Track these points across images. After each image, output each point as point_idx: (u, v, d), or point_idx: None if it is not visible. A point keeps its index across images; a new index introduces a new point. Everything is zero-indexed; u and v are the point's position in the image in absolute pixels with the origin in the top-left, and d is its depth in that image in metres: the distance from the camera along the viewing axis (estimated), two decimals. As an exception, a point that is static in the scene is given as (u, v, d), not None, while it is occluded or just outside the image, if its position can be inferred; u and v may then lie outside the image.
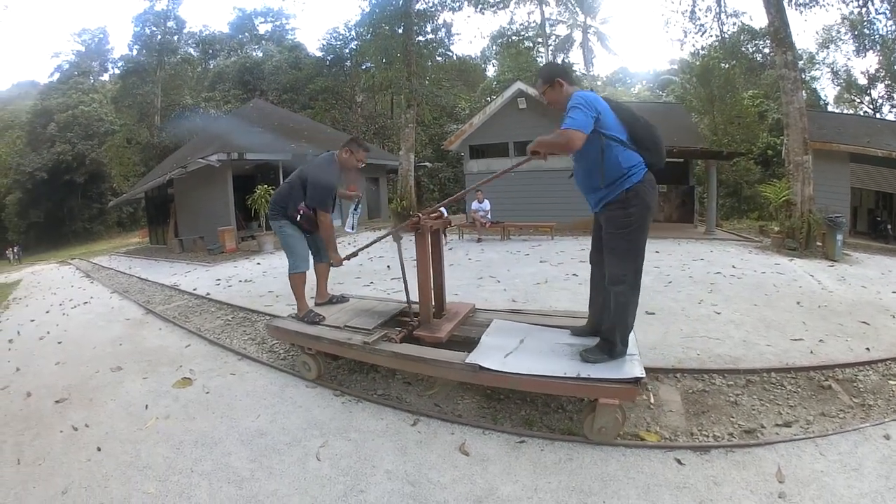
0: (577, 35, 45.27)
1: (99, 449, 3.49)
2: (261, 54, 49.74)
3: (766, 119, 26.26)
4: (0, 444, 3.77)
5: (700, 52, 22.31)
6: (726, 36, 19.55)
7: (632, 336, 3.52)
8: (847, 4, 17.94)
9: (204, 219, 18.43)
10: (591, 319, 3.79)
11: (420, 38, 21.27)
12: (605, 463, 2.85)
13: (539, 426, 3.34)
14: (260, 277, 9.93)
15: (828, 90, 37.00)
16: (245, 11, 55.09)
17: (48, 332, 7.19)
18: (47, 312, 8.91)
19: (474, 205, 14.61)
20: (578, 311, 4.23)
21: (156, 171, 26.13)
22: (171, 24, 41.53)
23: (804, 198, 11.32)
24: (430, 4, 21.56)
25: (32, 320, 8.32)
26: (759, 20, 20.61)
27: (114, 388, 4.65)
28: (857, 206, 16.83)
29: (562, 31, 45.57)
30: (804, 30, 38.35)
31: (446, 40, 24.78)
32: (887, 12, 18.82)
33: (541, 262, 9.68)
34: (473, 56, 45.75)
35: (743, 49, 23.10)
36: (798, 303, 6.13)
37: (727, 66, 23.02)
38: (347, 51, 38.22)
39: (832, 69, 34.77)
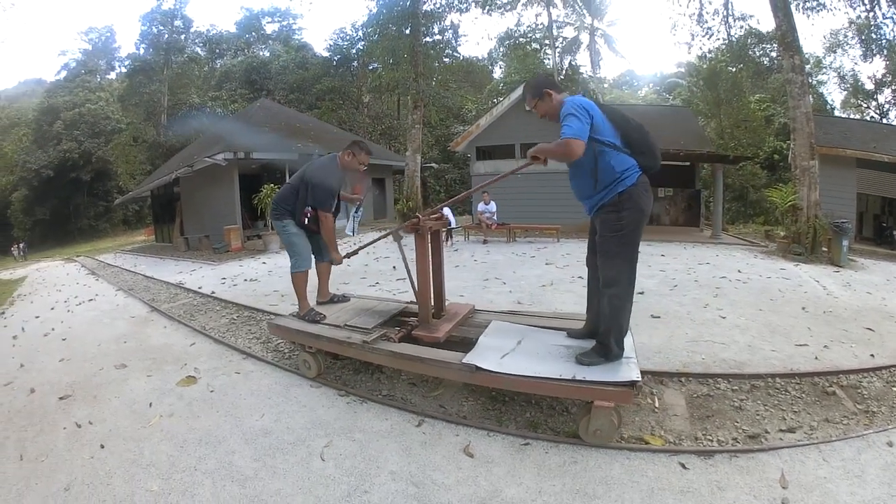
0: (585, 37, 45.10)
1: (102, 446, 3.50)
2: (268, 54, 49.99)
3: (773, 123, 26.24)
4: (3, 440, 3.78)
5: (707, 55, 22.24)
6: (733, 39, 19.48)
7: (630, 339, 3.53)
8: (854, 8, 17.87)
9: (210, 217, 18.50)
10: (588, 322, 3.78)
11: (427, 38, 21.28)
12: (609, 466, 2.85)
13: (543, 429, 3.34)
14: (265, 276, 9.96)
15: (834, 95, 36.99)
16: (252, 11, 55.39)
17: (53, 329, 7.21)
18: (52, 309, 8.94)
19: (480, 206, 14.61)
20: (576, 314, 4.24)
21: (162, 169, 26.23)
22: (178, 23, 41.72)
23: (810, 203, 11.29)
24: (438, 5, 21.57)
25: (37, 317, 8.34)
26: (767, 24, 20.61)
27: (118, 386, 4.66)
28: (862, 211, 16.77)
29: (569, 33, 45.37)
30: (811, 34, 38.43)
31: (453, 41, 24.73)
32: (894, 17, 18.72)
33: (546, 264, 9.68)
34: (480, 58, 45.76)
35: (750, 53, 23.00)
36: (803, 308, 6.12)
37: (734, 69, 22.97)
38: (354, 51, 38.30)
39: (839, 74, 34.75)
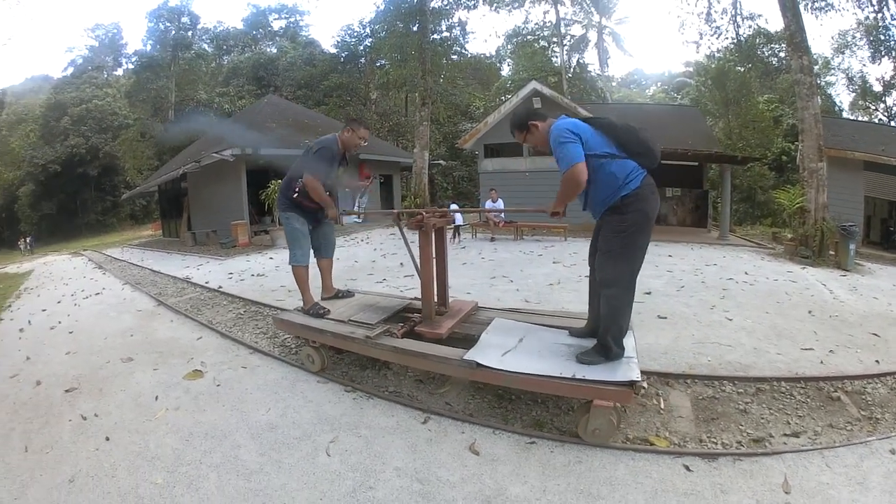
0: (593, 35, 45.10)
1: (108, 439, 3.53)
2: (275, 50, 50.01)
3: (781, 124, 26.15)
4: (8, 431, 3.82)
5: (716, 54, 22.23)
6: (742, 39, 19.43)
7: (631, 340, 3.55)
8: (862, 9, 17.82)
9: (217, 213, 18.57)
10: (589, 321, 3.80)
11: (435, 36, 21.30)
12: (613, 467, 2.86)
13: (549, 428, 3.35)
14: (272, 272, 9.99)
15: (843, 96, 36.79)
16: (259, 8, 55.52)
17: (59, 322, 7.25)
18: (58, 303, 8.98)
19: (488, 204, 14.60)
20: (580, 313, 4.24)
21: (169, 164, 26.32)
22: (185, 19, 41.83)
23: (818, 205, 11.25)
24: (445, 2, 21.58)
25: (44, 310, 8.38)
26: (775, 23, 20.51)
27: (124, 379, 4.69)
28: (870, 215, 16.66)
29: (577, 31, 45.46)
30: (819, 34, 38.10)
31: (461, 38, 24.75)
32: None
33: (554, 262, 9.67)
34: (488, 55, 45.74)
35: (758, 53, 22.97)
36: (810, 312, 6.10)
37: (742, 69, 22.91)
38: (362, 48, 38.35)
39: (847, 75, 34.53)
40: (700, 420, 3.41)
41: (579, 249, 11.41)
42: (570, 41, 44.44)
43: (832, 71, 34.75)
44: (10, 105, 44.33)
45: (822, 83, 32.21)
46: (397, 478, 2.86)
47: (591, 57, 46.25)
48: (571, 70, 42.89)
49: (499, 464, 2.95)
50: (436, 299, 4.43)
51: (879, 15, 18.51)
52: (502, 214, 14.46)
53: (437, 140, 32.35)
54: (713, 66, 25.32)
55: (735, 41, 19.52)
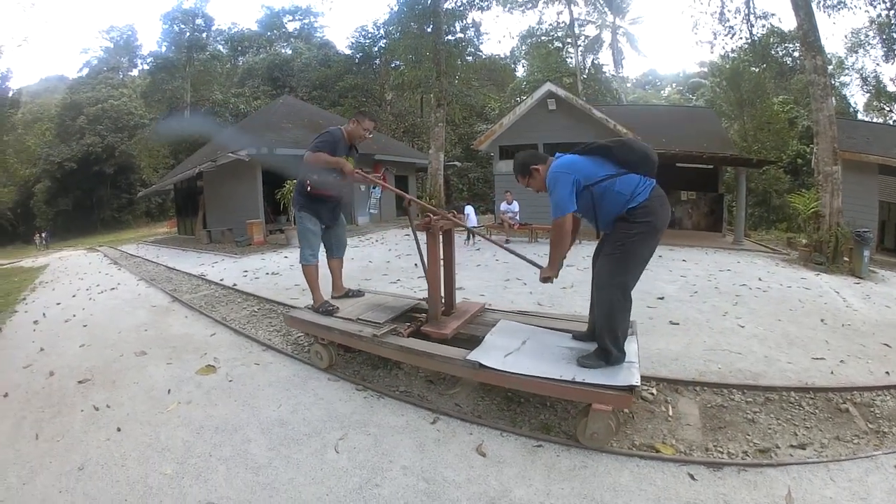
0: (607, 36, 45.02)
1: (119, 429, 3.60)
2: (290, 51, 50.38)
3: (796, 126, 25.95)
4: (20, 419, 3.90)
5: (730, 54, 22.03)
6: (756, 38, 19.26)
7: (634, 345, 3.57)
8: (875, 7, 17.63)
9: (232, 211, 18.71)
10: (590, 325, 3.81)
11: (449, 37, 21.30)
12: (618, 473, 2.86)
13: (557, 431, 3.36)
14: (287, 270, 10.05)
15: (857, 97, 36.25)
16: (273, 10, 56.01)
17: (74, 316, 7.37)
18: (73, 297, 9.11)
19: (503, 206, 14.60)
20: (584, 316, 4.25)
21: (185, 163, 26.53)
22: (199, 21, 42.29)
23: (832, 210, 11.14)
24: (459, 4, 21.59)
25: (58, 303, 8.51)
26: (789, 22, 20.35)
27: (137, 372, 4.76)
28: (884, 220, 16.42)
29: (591, 31, 45.40)
30: (832, 33, 37.42)
31: (475, 40, 24.76)
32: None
33: (567, 265, 9.65)
34: (503, 56, 45.72)
35: (773, 52, 22.76)
36: (822, 320, 6.05)
37: (757, 69, 22.71)
38: (376, 49, 38.52)
39: (861, 75, 33.96)
40: (707, 428, 3.40)
41: (593, 252, 11.39)
42: (584, 42, 44.35)
43: (846, 71, 34.23)
44: (26, 104, 44.93)
45: (837, 84, 31.76)
46: (404, 476, 2.89)
47: (605, 57, 46.23)
48: (586, 71, 42.78)
49: (505, 466, 2.97)
50: (443, 300, 4.48)
51: (892, 13, 18.31)
52: (517, 217, 14.43)
53: (452, 141, 32.40)
54: (727, 66, 25.12)
55: (749, 41, 19.36)
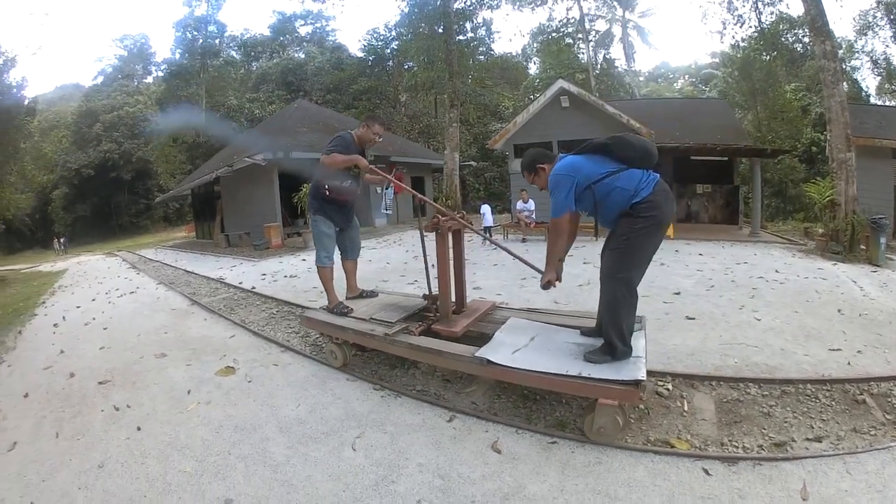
0: (617, 30, 44.76)
1: (139, 428, 3.67)
2: (303, 56, 50.59)
3: (809, 113, 25.63)
4: (40, 419, 3.99)
5: (740, 43, 21.81)
6: (765, 26, 19.06)
7: (642, 340, 3.59)
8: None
9: (250, 215, 18.87)
10: (599, 320, 3.81)
11: (460, 37, 21.29)
12: (633, 468, 2.87)
13: (572, 428, 3.36)
14: (305, 273, 10.11)
15: (868, 81, 35.48)
16: (285, 14, 56.17)
17: (93, 319, 7.51)
18: (93, 300, 9.27)
19: (519, 205, 14.56)
20: (592, 312, 4.24)
21: (202, 168, 26.76)
22: (211, 28, 42.45)
23: (848, 198, 11.02)
24: (469, 3, 21.54)
25: (78, 307, 8.67)
26: (797, 8, 20.11)
27: (157, 373, 4.86)
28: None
29: (601, 26, 45.12)
30: (840, 17, 36.65)
31: (487, 39, 24.72)
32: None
33: (584, 262, 9.61)
34: (514, 54, 45.60)
35: (782, 40, 22.50)
36: (839, 311, 6.00)
37: (768, 57, 22.47)
38: (389, 51, 38.57)
39: (871, 58, 33.30)
40: (723, 423, 3.39)
41: (601, 249, 11.36)
42: (594, 37, 44.10)
43: (856, 54, 33.46)
44: (42, 112, 45.53)
45: (847, 68, 31.08)
46: (419, 473, 2.92)
47: (616, 52, 45.97)
48: (598, 66, 42.56)
49: (519, 462, 2.99)
50: (453, 299, 4.55)
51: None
52: (533, 215, 14.40)
53: (467, 141, 32.38)
54: (738, 56, 24.90)
55: (758, 29, 19.17)
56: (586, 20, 42.38)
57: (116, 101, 47.46)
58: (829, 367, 4.19)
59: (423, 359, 4.12)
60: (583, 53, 42.32)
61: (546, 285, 3.70)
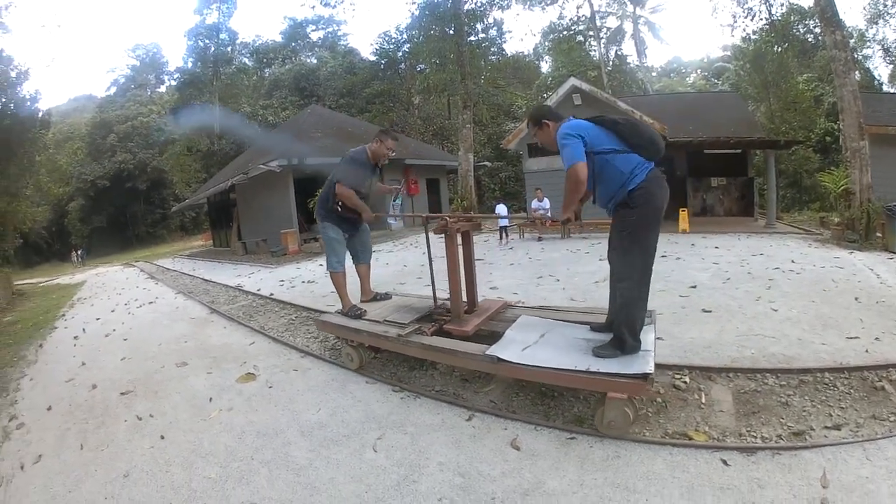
0: (628, 27, 44.66)
1: (162, 437, 3.73)
2: (315, 61, 50.69)
3: (822, 103, 25.43)
4: (64, 431, 4.05)
5: (751, 36, 21.66)
6: (775, 18, 18.93)
7: (651, 334, 3.62)
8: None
9: (266, 222, 19.03)
10: (609, 316, 3.85)
11: (472, 38, 21.32)
12: (651, 461, 2.89)
13: (589, 424, 3.36)
14: (322, 278, 10.06)
15: (881, 69, 35.20)
16: (296, 20, 56.08)
17: (114, 330, 7.60)
18: (112, 311, 9.39)
19: (534, 203, 14.59)
20: (601, 308, 4.27)
21: (217, 176, 26.96)
22: (223, 36, 42.45)
23: (862, 186, 11.03)
24: (479, 4, 21.56)
25: (98, 319, 8.78)
26: (807, -1, 20.01)
27: (178, 382, 4.93)
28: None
29: (612, 23, 45.01)
30: (851, 6, 36.23)
31: (498, 39, 24.73)
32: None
33: (601, 260, 9.56)
34: (526, 53, 45.55)
35: (793, 31, 22.33)
36: (856, 299, 5.95)
37: (779, 49, 22.33)
38: (401, 53, 38.59)
39: (883, 46, 33.05)
40: (741, 414, 3.40)
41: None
42: (606, 34, 43.99)
43: (868, 43, 33.26)
44: (56, 124, 46.14)
45: (859, 57, 30.83)
46: (440, 472, 2.96)
47: (628, 48, 45.86)
48: (610, 63, 42.44)
49: (539, 458, 3.01)
50: (464, 299, 4.62)
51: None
52: (549, 213, 14.41)
53: (481, 141, 32.38)
54: (750, 48, 24.77)
55: (769, 21, 19.04)
56: (597, 17, 42.34)
57: (130, 112, 48.01)
58: (846, 355, 4.17)
59: (435, 358, 4.18)
60: (594, 50, 42.28)
61: (566, 220, 3.70)
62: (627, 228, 3.35)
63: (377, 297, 5.51)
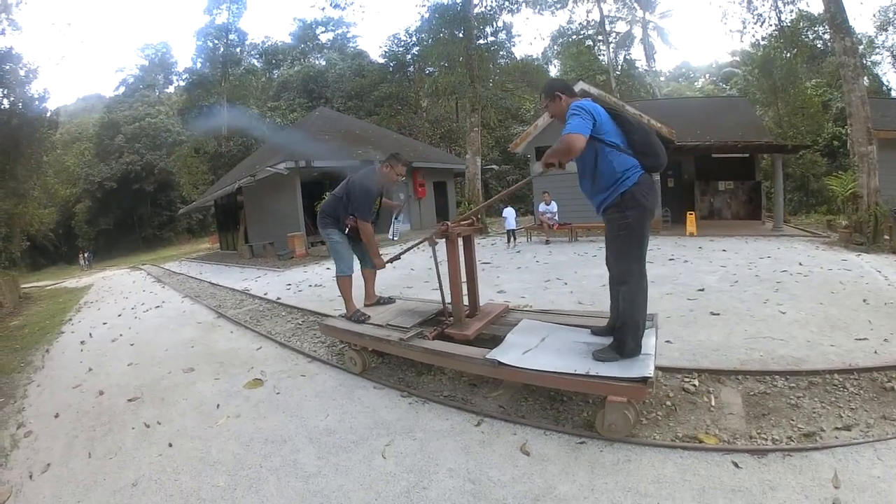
0: (637, 31, 44.77)
1: (170, 445, 3.72)
2: (324, 63, 50.74)
3: (830, 108, 25.47)
4: (71, 439, 4.04)
5: (760, 42, 21.66)
6: (785, 24, 18.91)
7: (652, 338, 3.62)
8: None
9: (273, 225, 19.05)
10: (610, 319, 3.86)
11: (481, 41, 21.36)
12: (662, 465, 2.88)
13: (599, 427, 3.38)
14: (330, 282, 10.10)
15: (889, 75, 35.29)
16: (306, 22, 56.23)
17: (120, 335, 7.60)
18: (119, 316, 9.40)
19: (541, 207, 14.59)
20: (603, 312, 4.29)
21: (224, 179, 26.99)
22: (232, 36, 42.52)
23: (870, 190, 11.08)
24: (489, 8, 21.57)
25: (104, 323, 8.79)
26: (817, 5, 20.01)
27: (186, 388, 4.92)
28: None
29: (621, 27, 45.08)
30: (860, 13, 36.51)
31: (507, 42, 24.72)
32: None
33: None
34: (535, 57, 45.54)
35: (803, 37, 22.32)
36: (864, 300, 5.94)
37: (788, 55, 22.33)
38: (409, 56, 38.59)
39: (892, 53, 33.12)
40: (751, 416, 3.39)
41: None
42: (615, 38, 44.01)
43: (877, 50, 33.43)
44: (64, 124, 46.38)
45: (868, 63, 31.00)
46: (450, 478, 2.95)
47: (637, 53, 45.95)
48: (619, 67, 42.43)
49: (549, 463, 3.00)
50: (466, 303, 4.66)
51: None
52: (556, 217, 14.41)
53: (489, 145, 32.42)
54: (759, 54, 24.80)
55: (778, 27, 19.03)
56: (606, 22, 42.31)
57: (138, 112, 48.18)
58: (855, 357, 4.16)
59: (436, 362, 4.21)
60: (603, 55, 42.21)
61: (548, 167, 3.54)
62: (621, 231, 3.37)
63: (381, 301, 5.55)
